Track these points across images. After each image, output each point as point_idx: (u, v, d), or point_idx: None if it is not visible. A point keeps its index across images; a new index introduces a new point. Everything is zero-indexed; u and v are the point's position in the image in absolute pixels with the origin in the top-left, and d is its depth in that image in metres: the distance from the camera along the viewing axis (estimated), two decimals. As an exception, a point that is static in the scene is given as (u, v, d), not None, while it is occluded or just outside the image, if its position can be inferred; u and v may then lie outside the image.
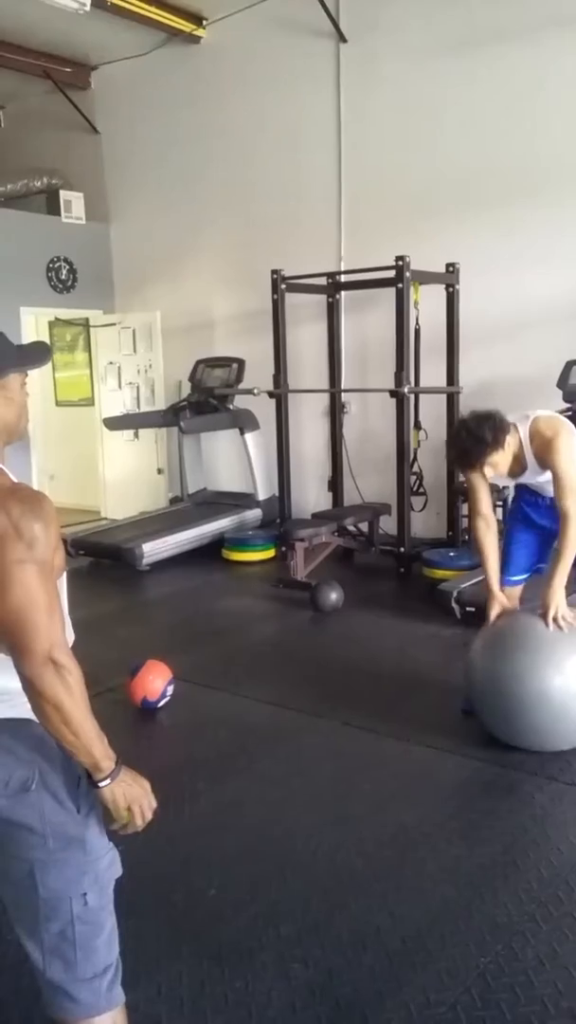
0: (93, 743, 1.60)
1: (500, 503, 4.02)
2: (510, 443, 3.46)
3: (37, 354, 1.81)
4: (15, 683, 1.60)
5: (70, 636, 1.71)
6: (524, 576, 3.96)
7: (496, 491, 3.82)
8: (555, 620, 3.47)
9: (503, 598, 3.73)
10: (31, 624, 1.51)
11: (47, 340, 9.91)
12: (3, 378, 1.68)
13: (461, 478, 3.87)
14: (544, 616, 3.49)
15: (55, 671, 1.53)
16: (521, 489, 3.89)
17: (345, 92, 7.35)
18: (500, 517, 4.18)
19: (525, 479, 3.70)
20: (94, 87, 9.02)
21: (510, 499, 4.03)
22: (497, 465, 3.47)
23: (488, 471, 3.49)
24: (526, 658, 3.49)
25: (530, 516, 3.89)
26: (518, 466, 3.59)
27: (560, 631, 3.46)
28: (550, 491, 3.64)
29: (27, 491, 1.58)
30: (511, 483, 3.84)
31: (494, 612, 3.70)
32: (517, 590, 3.95)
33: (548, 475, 3.58)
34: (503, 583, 3.87)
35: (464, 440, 3.44)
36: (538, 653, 3.49)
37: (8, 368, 1.69)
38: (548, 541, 3.96)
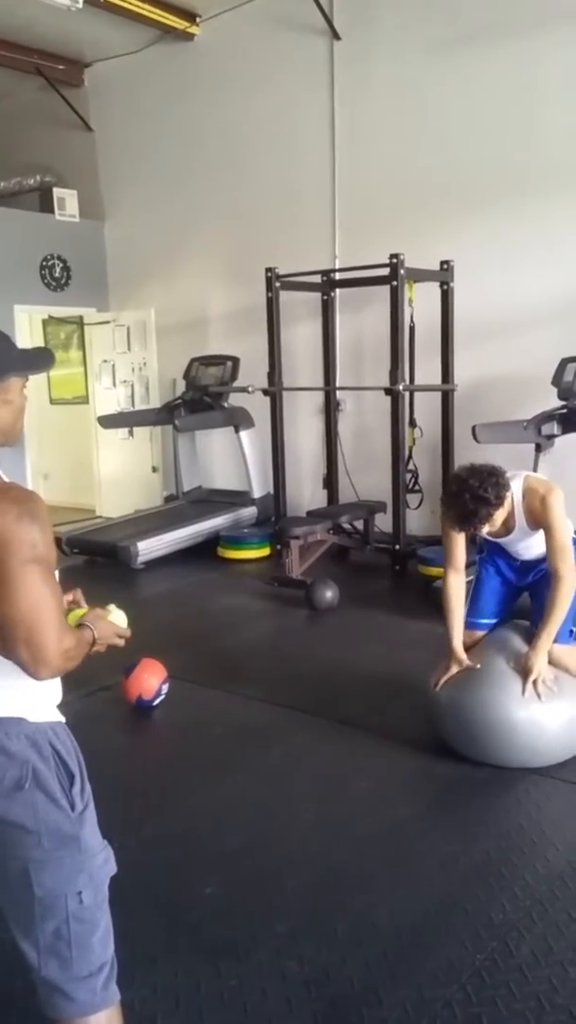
0: (83, 650, 1.68)
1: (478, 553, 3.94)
2: (507, 499, 3.36)
3: (40, 360, 1.81)
4: (3, 683, 1.60)
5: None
6: (491, 622, 3.79)
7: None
8: (535, 683, 3.36)
9: (463, 656, 3.57)
10: (42, 634, 1.54)
11: (41, 338, 9.92)
12: (4, 381, 1.68)
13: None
14: (524, 681, 3.37)
15: (66, 660, 1.59)
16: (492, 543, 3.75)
17: (339, 89, 7.35)
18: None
19: (509, 540, 3.57)
20: (87, 84, 9.00)
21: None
22: (495, 522, 3.35)
23: (485, 530, 3.37)
24: (491, 693, 3.41)
25: (500, 568, 3.79)
26: (504, 527, 3.48)
27: (537, 698, 3.35)
28: (524, 556, 3.62)
29: (20, 492, 1.59)
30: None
31: (453, 670, 3.57)
32: (481, 635, 3.76)
33: (530, 541, 3.52)
34: (471, 626, 3.74)
35: (467, 502, 3.26)
36: (504, 688, 3.41)
37: (9, 372, 1.69)
38: (516, 595, 3.86)
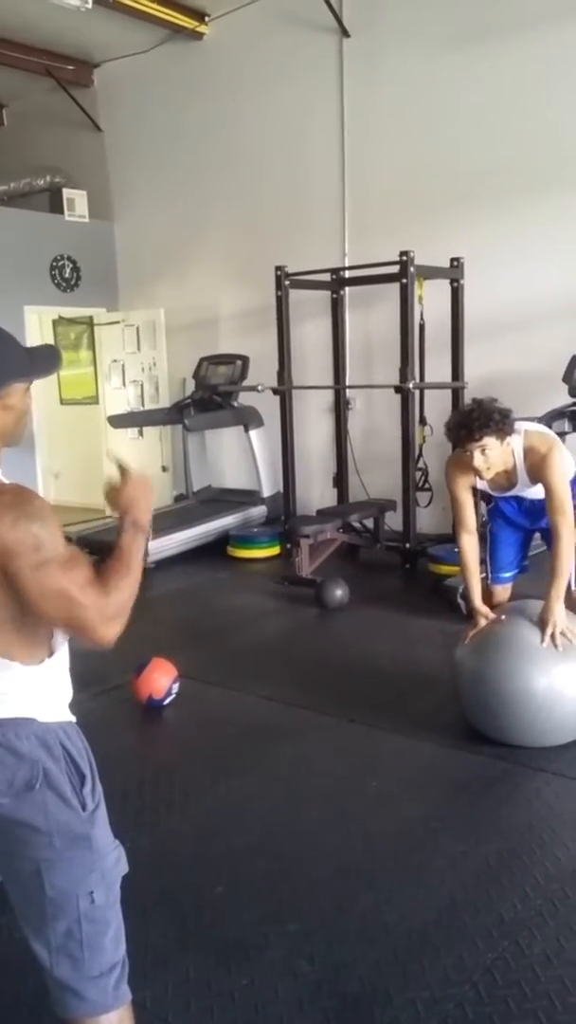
0: (138, 565, 1.66)
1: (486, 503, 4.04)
2: (508, 445, 3.46)
3: (45, 363, 1.76)
4: (13, 682, 1.61)
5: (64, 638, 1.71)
6: (513, 573, 3.98)
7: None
8: (553, 638, 3.45)
9: (486, 610, 3.69)
10: (81, 625, 1.57)
11: (51, 338, 9.93)
12: (5, 388, 1.63)
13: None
14: (543, 632, 3.47)
15: (119, 623, 1.60)
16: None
17: (348, 87, 7.33)
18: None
19: (514, 493, 3.69)
20: (97, 85, 9.01)
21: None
22: (488, 456, 3.41)
23: (478, 459, 3.40)
24: (512, 661, 3.51)
25: (508, 516, 3.89)
26: (507, 481, 3.60)
27: (556, 649, 3.44)
28: (530, 497, 3.70)
29: (10, 496, 1.55)
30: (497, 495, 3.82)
31: (481, 624, 3.67)
32: (507, 588, 3.96)
33: (535, 489, 3.61)
34: (495, 580, 3.91)
35: (472, 411, 3.41)
36: (523, 656, 3.50)
37: (10, 379, 1.64)
38: (529, 538, 4.01)
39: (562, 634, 3.45)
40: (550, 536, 3.64)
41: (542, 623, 3.49)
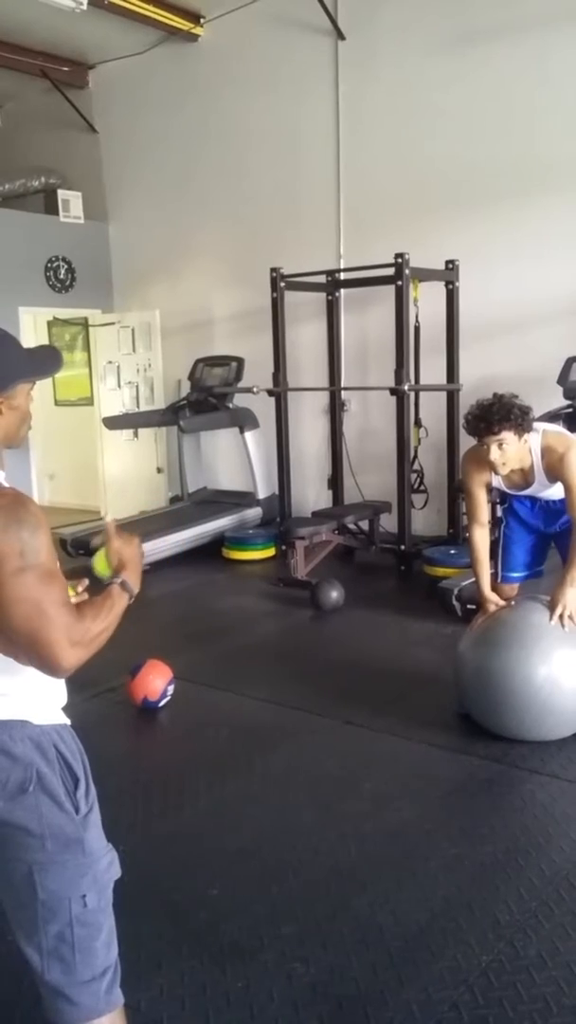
0: (117, 614, 1.68)
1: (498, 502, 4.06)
2: (526, 442, 3.49)
3: (48, 364, 1.77)
4: (8, 684, 1.61)
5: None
6: (523, 575, 4.01)
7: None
8: (561, 617, 3.52)
9: (495, 597, 3.77)
10: (45, 641, 1.53)
11: (46, 340, 9.90)
12: (11, 389, 1.65)
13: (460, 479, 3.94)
14: (552, 612, 3.53)
15: (83, 652, 1.57)
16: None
17: (343, 89, 7.34)
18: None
19: (530, 492, 3.72)
20: (92, 86, 9.00)
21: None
22: (505, 451, 3.44)
23: (495, 453, 3.44)
24: (514, 650, 3.56)
25: (522, 516, 3.93)
26: (523, 479, 3.63)
27: (563, 629, 3.52)
28: (546, 497, 3.72)
29: (7, 498, 1.55)
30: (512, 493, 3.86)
31: (490, 609, 3.76)
32: (515, 588, 4.00)
33: (552, 489, 3.64)
34: (504, 579, 3.94)
35: (491, 404, 3.43)
36: (525, 645, 3.56)
37: (16, 380, 1.66)
38: (544, 542, 4.02)
39: (571, 617, 3.51)
40: (565, 542, 3.69)
41: (552, 603, 3.55)
